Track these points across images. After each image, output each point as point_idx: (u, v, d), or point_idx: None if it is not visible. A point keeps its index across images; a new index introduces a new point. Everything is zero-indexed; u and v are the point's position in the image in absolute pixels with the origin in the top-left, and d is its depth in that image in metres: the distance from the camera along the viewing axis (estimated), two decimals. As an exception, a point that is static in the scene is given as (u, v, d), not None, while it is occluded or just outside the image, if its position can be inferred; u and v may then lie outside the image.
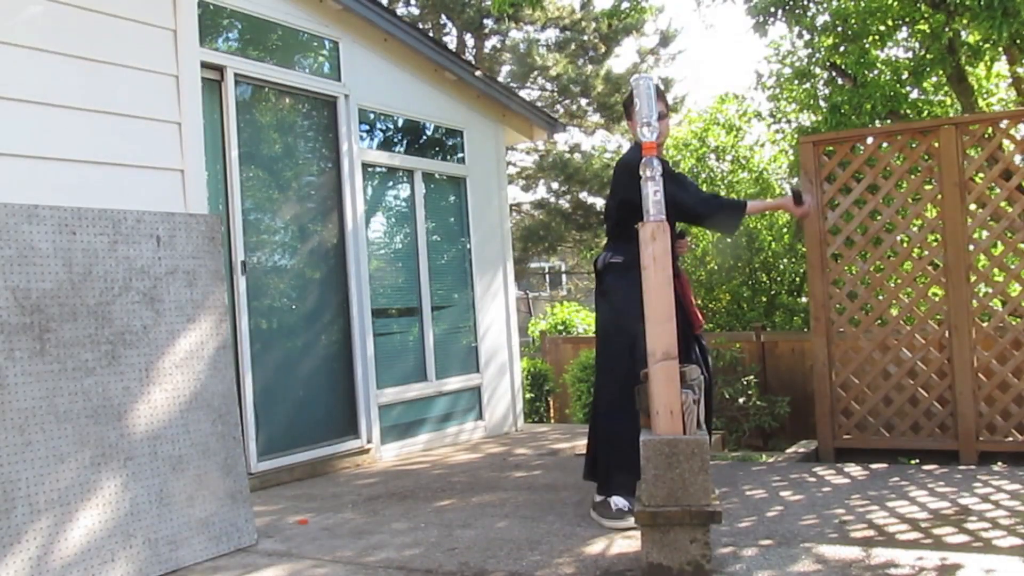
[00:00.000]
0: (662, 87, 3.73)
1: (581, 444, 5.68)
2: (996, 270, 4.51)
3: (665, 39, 17.80)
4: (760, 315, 10.41)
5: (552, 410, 9.56)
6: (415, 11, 16.89)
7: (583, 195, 17.49)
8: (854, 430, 4.76)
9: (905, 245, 4.77)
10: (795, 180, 11.17)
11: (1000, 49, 7.40)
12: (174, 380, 3.14)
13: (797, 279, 10.67)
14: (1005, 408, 4.42)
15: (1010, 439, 4.41)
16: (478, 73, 6.48)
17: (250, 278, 4.61)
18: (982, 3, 6.03)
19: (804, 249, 5.63)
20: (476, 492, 4.15)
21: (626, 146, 18.57)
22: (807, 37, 8.41)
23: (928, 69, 7.33)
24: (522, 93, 15.30)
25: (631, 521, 3.22)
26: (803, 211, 4.00)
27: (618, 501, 3.40)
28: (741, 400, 7.95)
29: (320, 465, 4.87)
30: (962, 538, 2.92)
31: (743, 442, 7.81)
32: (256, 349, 4.60)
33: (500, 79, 15.64)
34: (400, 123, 6.01)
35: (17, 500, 2.66)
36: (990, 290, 4.54)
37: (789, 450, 5.39)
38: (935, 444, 4.56)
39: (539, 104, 15.88)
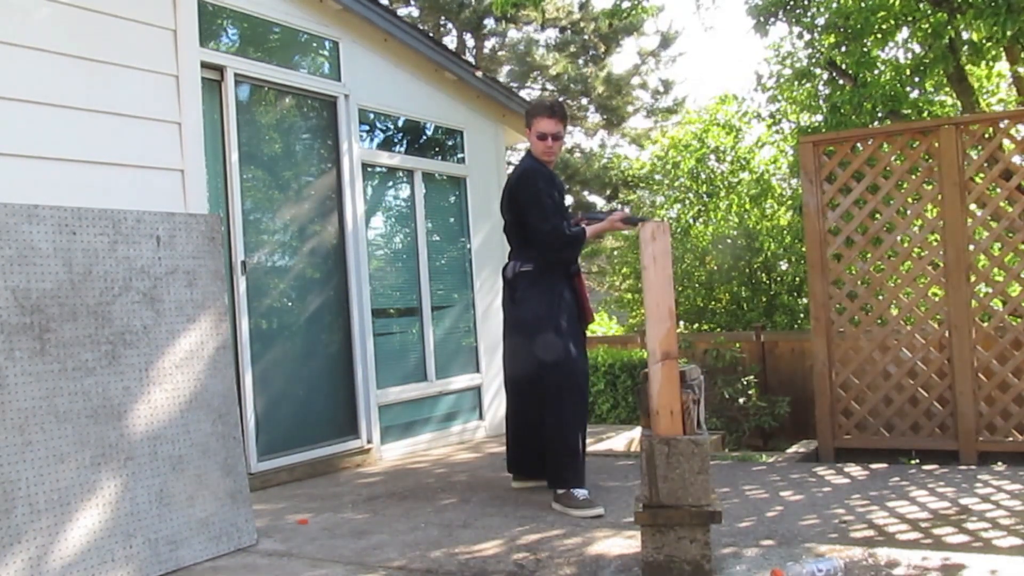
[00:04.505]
0: (559, 106, 4.09)
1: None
2: (996, 270, 4.51)
3: (665, 40, 17.81)
4: (760, 315, 10.42)
5: (552, 410, 9.53)
6: (415, 11, 16.89)
7: (584, 195, 17.49)
8: (854, 430, 4.76)
9: (905, 245, 4.77)
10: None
11: (1002, 48, 7.41)
12: (174, 380, 3.14)
13: (797, 279, 10.68)
14: (1005, 408, 4.42)
15: (1010, 439, 4.42)
16: (478, 73, 6.48)
17: (250, 278, 4.61)
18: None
19: (804, 249, 5.63)
20: (476, 492, 4.15)
21: (626, 147, 18.60)
22: (807, 37, 8.42)
23: (929, 68, 7.34)
24: (522, 93, 15.30)
25: (599, 509, 3.50)
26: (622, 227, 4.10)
27: (579, 491, 3.62)
28: (741, 400, 7.95)
29: (320, 465, 4.87)
30: (962, 538, 2.93)
31: (743, 442, 7.82)
32: (256, 349, 4.60)
33: (500, 79, 15.64)
34: (400, 123, 6.01)
35: (17, 500, 2.66)
36: (990, 290, 4.54)
37: (789, 450, 5.39)
38: (935, 444, 4.57)
39: (539, 104, 15.82)
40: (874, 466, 4.32)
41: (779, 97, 10.39)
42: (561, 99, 17.35)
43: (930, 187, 4.66)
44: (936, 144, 4.58)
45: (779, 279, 11.12)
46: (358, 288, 5.24)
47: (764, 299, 10.89)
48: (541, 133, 3.93)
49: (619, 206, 15.94)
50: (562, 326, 3.80)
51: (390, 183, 5.87)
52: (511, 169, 4.33)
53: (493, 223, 6.58)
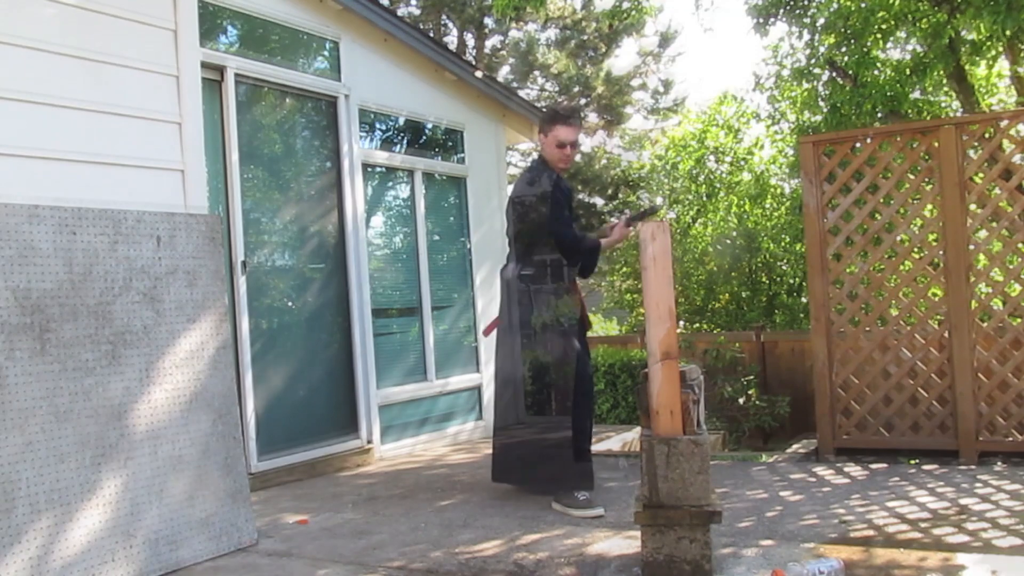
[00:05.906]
0: (578, 113, 4.06)
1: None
2: (996, 270, 4.51)
3: (664, 40, 17.79)
4: (760, 315, 10.42)
5: (552, 409, 9.53)
6: (415, 11, 16.88)
7: (584, 195, 17.48)
8: (854, 430, 4.75)
9: (905, 245, 4.77)
10: (794, 185, 11.15)
11: (1001, 47, 7.41)
12: (174, 380, 3.15)
13: (797, 279, 10.68)
14: (1005, 408, 4.42)
15: (1010, 439, 4.41)
16: (478, 73, 6.48)
17: (250, 278, 4.61)
18: None
19: (804, 249, 5.63)
20: (476, 491, 4.15)
21: (624, 150, 18.61)
22: (807, 38, 8.42)
23: (929, 68, 7.33)
24: (522, 93, 15.30)
25: (599, 510, 3.52)
26: (622, 233, 4.12)
27: (580, 492, 3.64)
28: (741, 400, 7.95)
29: (320, 465, 4.87)
30: (962, 538, 2.93)
31: (743, 442, 7.82)
32: (256, 349, 4.60)
33: (500, 78, 15.64)
34: (400, 123, 6.01)
35: (17, 500, 2.66)
36: (990, 290, 4.54)
37: (789, 450, 5.40)
38: (935, 444, 4.56)
39: (539, 104, 15.87)
40: (874, 466, 4.32)
41: (778, 97, 10.38)
42: (563, 99, 17.36)
43: (930, 187, 4.66)
44: (936, 144, 4.57)
45: (779, 279, 11.12)
46: (358, 288, 5.24)
47: (764, 299, 10.89)
48: (560, 141, 3.91)
49: (621, 207, 15.92)
50: (568, 329, 3.83)
51: (390, 183, 5.87)
52: (513, 171, 4.38)
53: (492, 222, 6.59)
